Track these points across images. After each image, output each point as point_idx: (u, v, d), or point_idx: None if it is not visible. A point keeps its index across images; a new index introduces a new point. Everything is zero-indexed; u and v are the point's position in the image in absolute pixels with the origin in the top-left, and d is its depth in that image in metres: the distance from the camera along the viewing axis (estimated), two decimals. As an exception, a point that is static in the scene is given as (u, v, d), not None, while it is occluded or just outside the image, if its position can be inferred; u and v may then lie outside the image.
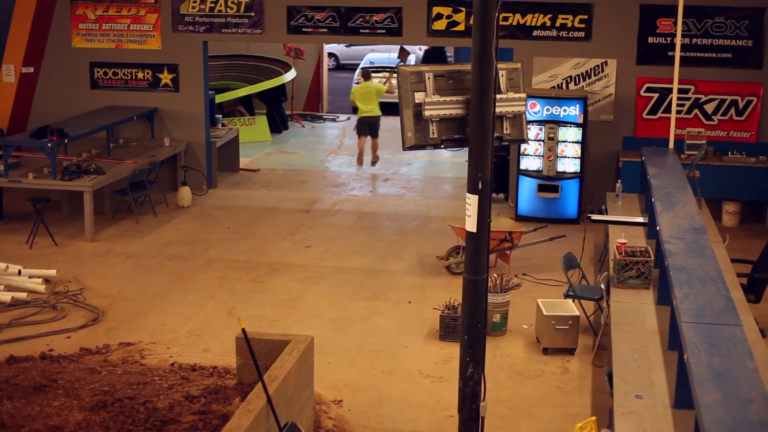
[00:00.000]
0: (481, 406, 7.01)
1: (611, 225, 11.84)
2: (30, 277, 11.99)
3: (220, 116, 19.75)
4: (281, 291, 12.16)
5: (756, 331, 8.36)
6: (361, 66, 27.62)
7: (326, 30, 16.44)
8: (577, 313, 10.28)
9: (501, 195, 16.35)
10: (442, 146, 7.06)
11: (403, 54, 25.27)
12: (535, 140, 14.96)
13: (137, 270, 12.90)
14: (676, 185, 11.33)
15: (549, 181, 15.05)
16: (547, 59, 15.65)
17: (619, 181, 13.54)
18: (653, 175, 11.75)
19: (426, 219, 15.56)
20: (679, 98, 14.17)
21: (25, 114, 17.38)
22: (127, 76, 17.08)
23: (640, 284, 9.53)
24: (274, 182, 18.04)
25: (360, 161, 19.55)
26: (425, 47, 28.92)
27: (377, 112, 19.53)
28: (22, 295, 11.54)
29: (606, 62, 15.48)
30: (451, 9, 15.85)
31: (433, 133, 6.95)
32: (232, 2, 16.44)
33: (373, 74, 25.78)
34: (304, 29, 16.48)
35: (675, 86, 13.56)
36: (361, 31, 16.38)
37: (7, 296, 11.42)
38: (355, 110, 26.40)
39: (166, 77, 16.93)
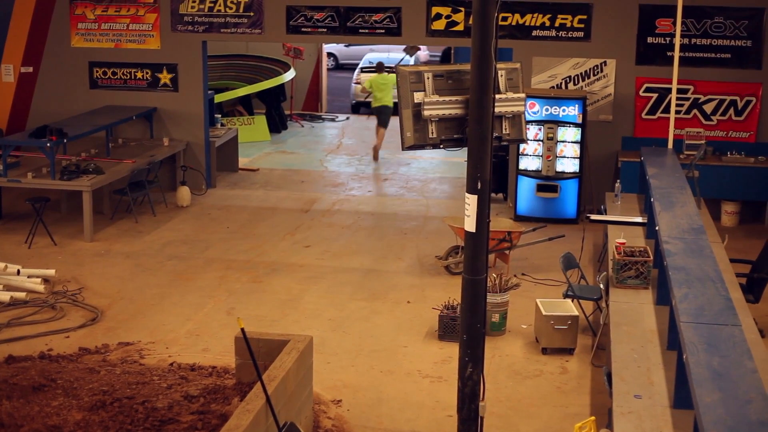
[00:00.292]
0: (480, 406, 7.01)
1: (610, 225, 11.83)
2: (29, 277, 11.99)
3: (219, 116, 19.75)
4: (280, 291, 12.16)
5: (755, 331, 8.36)
6: (368, 61, 27.69)
7: (325, 30, 16.44)
8: (576, 313, 10.29)
9: (500, 195, 16.35)
10: (441, 146, 7.06)
11: (412, 49, 25.33)
12: (534, 140, 14.96)
13: (136, 270, 12.90)
14: (675, 185, 11.33)
15: (548, 181, 15.06)
16: (547, 59, 15.66)
17: (618, 181, 13.54)
18: (652, 175, 11.75)
19: (425, 219, 15.56)
20: (678, 98, 14.18)
21: (24, 114, 17.38)
22: (126, 76, 17.07)
23: (639, 284, 9.53)
24: (274, 182, 18.04)
25: (375, 157, 20.31)
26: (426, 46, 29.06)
27: (391, 103, 20.31)
28: (21, 295, 11.54)
29: (605, 62, 15.48)
30: (450, 9, 15.85)
31: (432, 132, 6.95)
32: (232, 2, 16.43)
33: (371, 74, 25.96)
34: (303, 29, 16.48)
35: (674, 86, 13.56)
36: (360, 31, 16.38)
37: (6, 296, 11.41)
38: (356, 107, 26.60)
39: (165, 77, 16.92)
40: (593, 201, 15.21)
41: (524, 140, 7.61)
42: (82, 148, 15.77)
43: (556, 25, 15.52)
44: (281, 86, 23.81)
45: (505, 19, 15.48)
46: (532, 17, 15.57)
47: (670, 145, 13.60)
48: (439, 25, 15.96)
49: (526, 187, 15.20)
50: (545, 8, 15.52)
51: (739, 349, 6.49)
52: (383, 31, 16.26)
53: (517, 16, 15.59)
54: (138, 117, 16.61)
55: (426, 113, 6.86)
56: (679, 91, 14.07)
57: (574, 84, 15.63)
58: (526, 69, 15.32)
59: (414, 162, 19.89)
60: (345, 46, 34.83)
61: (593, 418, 7.44)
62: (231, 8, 16.47)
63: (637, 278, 9.54)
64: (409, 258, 13.52)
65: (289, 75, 23.74)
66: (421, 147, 7.10)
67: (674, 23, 13.94)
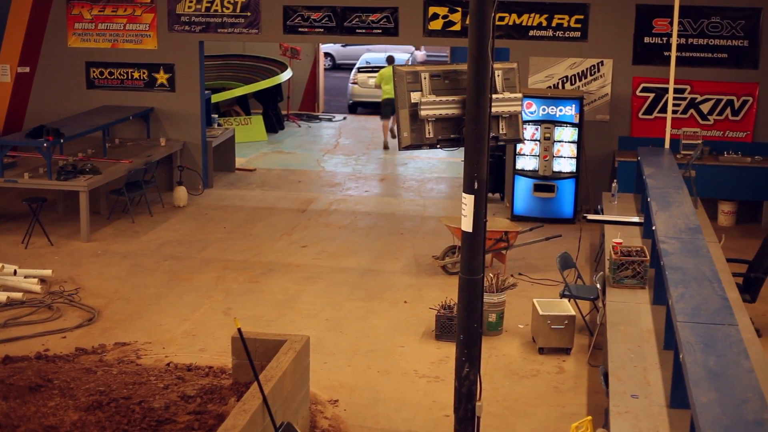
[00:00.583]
0: (477, 405, 7.02)
1: (607, 225, 11.84)
2: (26, 277, 11.97)
3: (216, 116, 19.74)
4: (277, 291, 12.16)
5: (751, 330, 8.37)
6: (365, 61, 27.78)
7: (322, 30, 16.44)
8: (572, 312, 10.29)
9: (497, 195, 16.36)
10: (439, 146, 7.07)
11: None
12: (531, 140, 14.96)
13: (133, 270, 12.89)
14: (671, 185, 11.34)
15: (545, 181, 15.07)
16: (543, 59, 15.66)
17: (614, 180, 13.56)
18: (649, 175, 11.75)
19: (422, 219, 15.56)
20: (675, 98, 14.19)
21: (21, 114, 17.36)
22: (123, 76, 17.06)
23: (635, 284, 9.53)
24: (270, 182, 18.03)
25: (386, 145, 21.06)
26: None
27: None
28: (18, 295, 11.53)
29: (602, 62, 15.49)
30: (447, 9, 15.85)
31: (429, 132, 6.96)
32: (228, 2, 16.43)
33: (368, 74, 26.05)
34: (300, 29, 16.48)
35: (671, 86, 13.57)
36: (357, 31, 16.37)
37: (2, 296, 11.40)
38: (353, 107, 26.65)
39: (162, 77, 16.91)
40: (590, 201, 15.22)
41: (521, 140, 7.62)
42: (79, 148, 15.75)
43: (553, 25, 15.53)
44: (278, 86, 23.81)
45: (502, 19, 15.49)
46: (529, 17, 15.58)
47: (667, 144, 13.61)
48: (436, 25, 15.96)
49: (523, 187, 15.21)
50: (542, 8, 15.53)
51: (735, 349, 6.50)
52: (380, 31, 16.26)
53: (514, 16, 15.60)
54: (135, 117, 16.60)
55: (423, 113, 6.87)
56: (675, 90, 14.08)
57: (571, 84, 15.64)
58: (523, 69, 15.34)
59: (411, 162, 19.89)
60: (342, 46, 34.84)
61: (590, 417, 7.45)
62: (228, 8, 16.46)
63: (633, 278, 9.54)
64: (406, 258, 13.52)
65: (286, 75, 23.73)
66: (418, 147, 7.11)
67: (671, 23, 13.95)
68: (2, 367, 9.40)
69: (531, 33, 15.62)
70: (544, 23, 15.55)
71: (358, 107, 26.90)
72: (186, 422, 7.87)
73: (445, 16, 15.88)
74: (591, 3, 15.39)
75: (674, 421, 6.80)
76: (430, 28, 16.00)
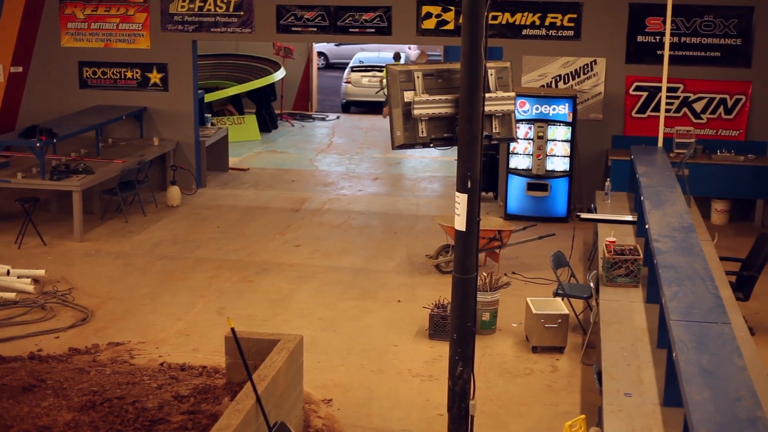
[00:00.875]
0: (471, 404, 7.01)
1: (600, 223, 11.84)
2: (19, 277, 11.95)
3: (210, 115, 19.72)
4: (271, 290, 12.15)
5: (744, 329, 8.38)
6: (359, 60, 27.81)
7: (315, 29, 16.44)
8: (566, 311, 10.29)
9: (490, 194, 16.37)
10: (432, 145, 7.06)
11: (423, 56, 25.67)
12: (524, 139, 14.97)
13: (126, 270, 12.88)
14: (665, 184, 11.35)
15: (538, 180, 15.07)
16: (537, 58, 15.67)
17: (608, 179, 13.57)
18: (642, 174, 11.76)
19: (415, 218, 15.57)
20: (668, 97, 14.20)
21: (14, 113, 17.32)
22: (116, 76, 17.04)
23: (629, 282, 9.54)
24: (264, 181, 18.02)
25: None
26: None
27: None
28: (11, 295, 11.50)
29: (595, 61, 15.50)
30: (440, 8, 15.85)
31: (422, 132, 6.95)
32: (222, 1, 16.41)
33: (362, 73, 26.10)
34: (293, 28, 16.47)
35: (664, 85, 13.58)
36: (350, 30, 16.37)
37: (-5, 296, 11.40)
38: (347, 106, 26.74)
39: (155, 76, 16.89)
40: (583, 199, 15.23)
41: (514, 139, 7.61)
42: (72, 148, 15.72)
43: (546, 24, 15.54)
44: (271, 85, 23.80)
45: (495, 18, 15.50)
46: (522, 16, 15.59)
47: (660, 143, 13.62)
48: (430, 24, 15.96)
49: (516, 186, 15.22)
50: (535, 7, 15.54)
51: (728, 347, 6.50)
52: (373, 30, 16.25)
53: (507, 15, 15.61)
54: (128, 117, 16.58)
55: (416, 112, 6.86)
56: (668, 89, 14.09)
57: (564, 83, 15.65)
58: (516, 68, 15.34)
59: (404, 161, 19.90)
60: (335, 45, 34.84)
61: (583, 416, 7.45)
62: (221, 7, 16.44)
63: (627, 276, 9.55)
64: (399, 257, 13.52)
65: (280, 74, 23.73)
66: (412, 146, 7.10)
67: (664, 22, 13.96)
68: (-5, 368, 9.39)
69: (524, 32, 15.63)
70: (538, 22, 15.56)
71: (351, 106, 26.91)
72: (179, 422, 7.86)
73: (438, 15, 15.89)
74: (584, 2, 15.41)
75: (668, 420, 6.80)
76: (423, 27, 16.00)
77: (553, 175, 15.03)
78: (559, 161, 14.99)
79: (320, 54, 33.11)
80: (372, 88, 25.87)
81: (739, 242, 13.53)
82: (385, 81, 21.38)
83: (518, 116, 14.64)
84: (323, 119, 25.27)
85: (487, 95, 6.86)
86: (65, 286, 12.12)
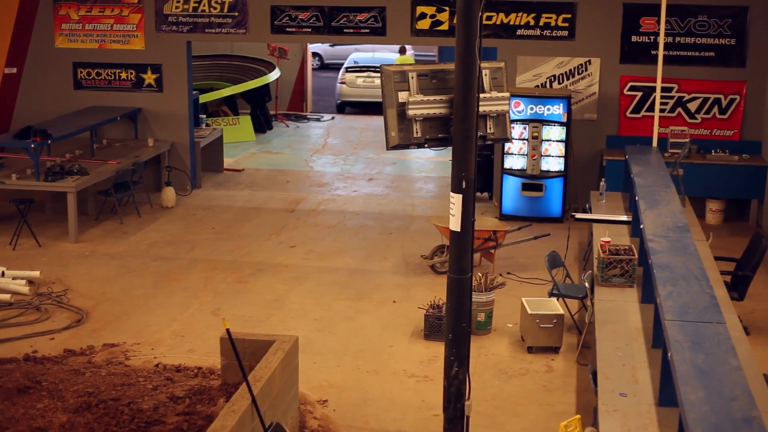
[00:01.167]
0: (466, 405, 7.02)
1: (595, 223, 11.85)
2: (13, 279, 11.93)
3: (204, 116, 19.70)
4: (266, 291, 12.15)
5: (739, 328, 8.39)
6: (353, 61, 27.83)
7: (310, 30, 16.43)
8: (561, 311, 10.30)
9: (485, 194, 16.37)
10: (426, 145, 7.07)
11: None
12: (519, 139, 14.98)
13: (121, 271, 12.86)
14: (659, 183, 11.36)
15: (533, 180, 15.08)
16: (531, 58, 15.68)
17: (602, 179, 13.58)
18: (637, 174, 11.78)
19: (410, 218, 15.57)
20: (662, 97, 14.23)
21: (8, 115, 17.29)
22: (111, 77, 17.02)
23: (623, 282, 9.55)
24: (259, 182, 18.01)
25: None
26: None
27: None
28: (6, 297, 11.48)
29: (589, 61, 15.52)
30: (434, 8, 15.86)
31: (417, 132, 6.96)
32: (216, 2, 16.40)
33: (356, 74, 26.11)
34: (287, 29, 16.46)
35: (658, 85, 13.60)
36: (344, 30, 16.36)
37: (-10, 298, 11.38)
38: (342, 107, 26.79)
39: (149, 77, 16.88)
40: (578, 200, 15.24)
41: (509, 139, 7.63)
42: (67, 149, 15.71)
43: (541, 24, 15.55)
44: (266, 86, 23.78)
45: (489, 18, 15.50)
46: (517, 16, 15.60)
47: (655, 143, 13.64)
48: (424, 24, 15.96)
49: (511, 186, 15.22)
50: (529, 7, 15.54)
51: (723, 347, 6.51)
52: (368, 30, 16.25)
53: (501, 15, 15.61)
54: (122, 117, 16.55)
55: (410, 113, 6.87)
56: (663, 89, 14.11)
57: (559, 83, 15.66)
58: (511, 68, 15.35)
59: (399, 161, 19.90)
60: (330, 45, 34.84)
61: (579, 416, 7.46)
62: (215, 8, 16.43)
63: (621, 276, 9.56)
64: (394, 257, 13.52)
65: (274, 75, 23.71)
66: (406, 146, 7.11)
67: (658, 22, 13.98)
68: (-10, 369, 9.38)
69: (518, 32, 15.64)
70: (532, 22, 15.57)
71: (346, 107, 26.91)
72: (175, 423, 7.85)
73: (432, 16, 15.89)
74: (578, 2, 15.42)
75: (663, 419, 6.81)
76: (417, 27, 16.00)
77: (547, 175, 15.04)
78: (553, 161, 15.00)
79: (315, 54, 33.11)
80: (366, 88, 25.87)
81: (733, 242, 13.55)
82: None
83: (513, 116, 14.65)
84: (318, 120, 25.26)
85: (482, 95, 6.87)
86: (60, 287, 12.11)
